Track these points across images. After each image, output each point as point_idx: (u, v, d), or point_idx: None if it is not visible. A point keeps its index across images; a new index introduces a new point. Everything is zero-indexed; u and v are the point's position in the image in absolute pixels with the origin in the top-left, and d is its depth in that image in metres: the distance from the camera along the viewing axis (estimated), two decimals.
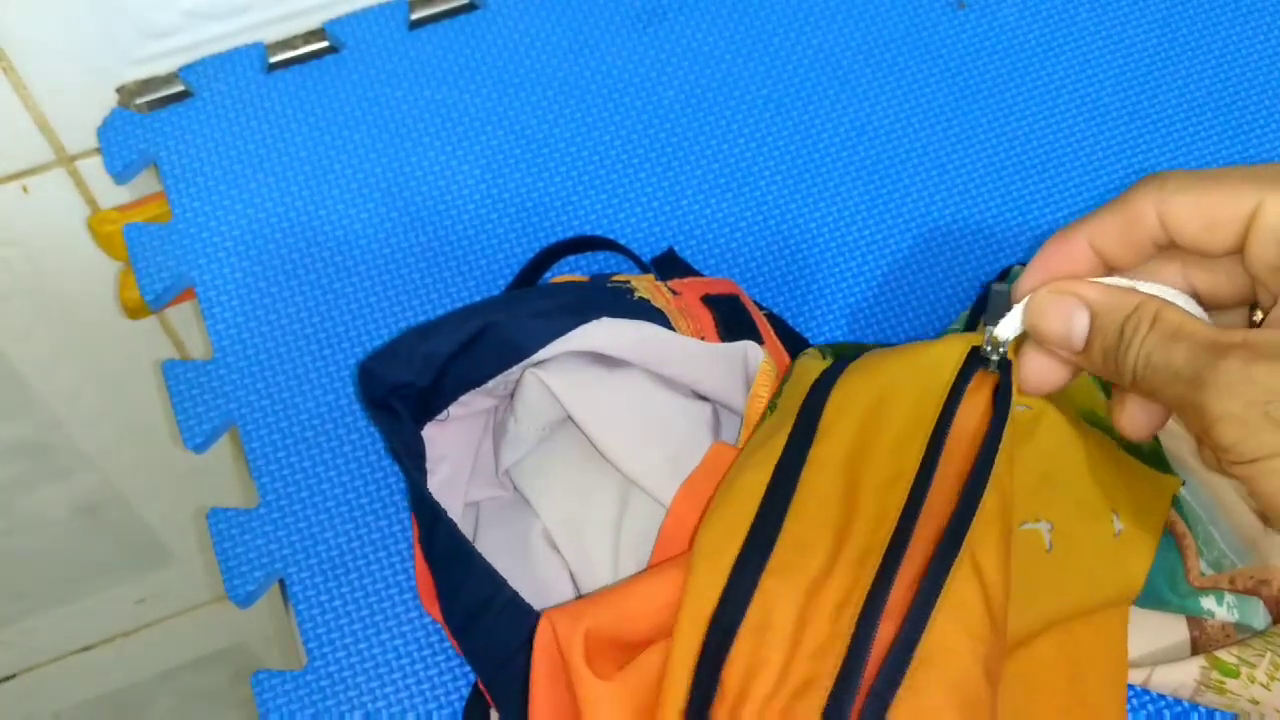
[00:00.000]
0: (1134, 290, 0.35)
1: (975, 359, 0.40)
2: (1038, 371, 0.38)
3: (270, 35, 0.61)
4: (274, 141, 0.59)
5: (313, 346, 0.54)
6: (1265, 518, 0.46)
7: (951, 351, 0.41)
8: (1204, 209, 0.34)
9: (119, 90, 0.60)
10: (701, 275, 0.55)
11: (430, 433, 0.47)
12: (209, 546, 0.51)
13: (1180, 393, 0.33)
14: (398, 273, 0.56)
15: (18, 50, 0.57)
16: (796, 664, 0.38)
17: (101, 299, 0.71)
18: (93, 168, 0.63)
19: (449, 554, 0.45)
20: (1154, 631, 0.46)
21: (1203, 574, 0.45)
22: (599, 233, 0.57)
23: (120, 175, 0.59)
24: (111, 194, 0.65)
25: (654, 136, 0.59)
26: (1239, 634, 0.45)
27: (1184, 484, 0.46)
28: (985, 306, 0.40)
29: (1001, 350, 0.39)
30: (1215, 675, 0.43)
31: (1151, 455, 0.47)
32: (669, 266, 0.55)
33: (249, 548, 0.50)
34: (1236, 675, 0.43)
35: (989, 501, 0.39)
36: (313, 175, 0.58)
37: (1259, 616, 0.44)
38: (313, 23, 0.62)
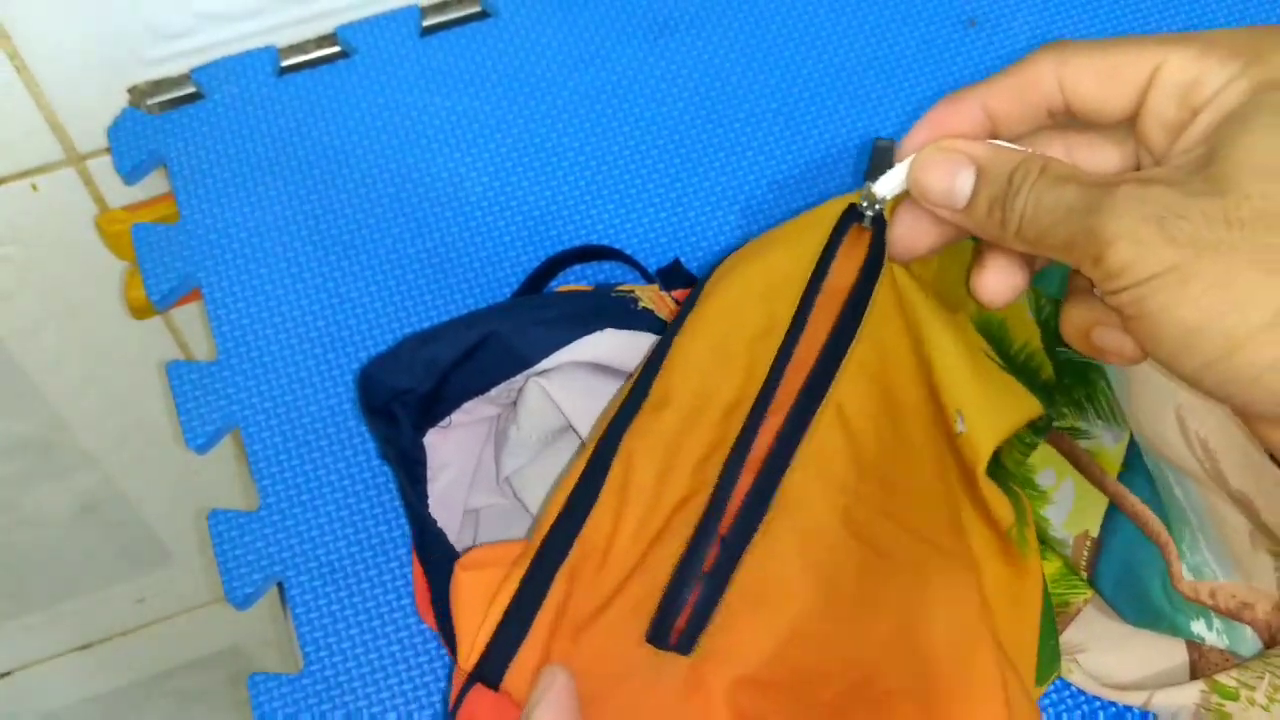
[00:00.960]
0: (1022, 149, 0.35)
1: (851, 214, 0.40)
2: (907, 233, 0.38)
3: (282, 39, 0.62)
4: (284, 145, 0.59)
5: (317, 350, 0.54)
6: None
7: (830, 211, 0.41)
8: (1105, 68, 0.34)
9: (130, 90, 0.61)
10: None
11: (433, 440, 0.47)
12: (209, 547, 0.51)
13: (1071, 227, 0.32)
14: (404, 278, 0.56)
15: (30, 49, 0.57)
16: (656, 516, 0.38)
17: (108, 298, 0.71)
18: (102, 167, 0.64)
19: (439, 563, 0.45)
20: (1153, 654, 0.45)
21: (1184, 577, 0.44)
22: (606, 242, 0.57)
23: (129, 175, 0.59)
24: (120, 194, 0.65)
25: (663, 147, 0.59)
26: (1236, 657, 0.44)
27: (1165, 479, 0.46)
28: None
29: (878, 207, 0.39)
30: (1215, 699, 0.43)
31: (1041, 385, 0.47)
32: (674, 277, 0.55)
33: (248, 550, 0.50)
34: (1236, 698, 0.43)
35: (859, 352, 0.39)
36: (322, 179, 0.58)
37: (1246, 643, 0.44)
38: (325, 27, 0.62)
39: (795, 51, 0.62)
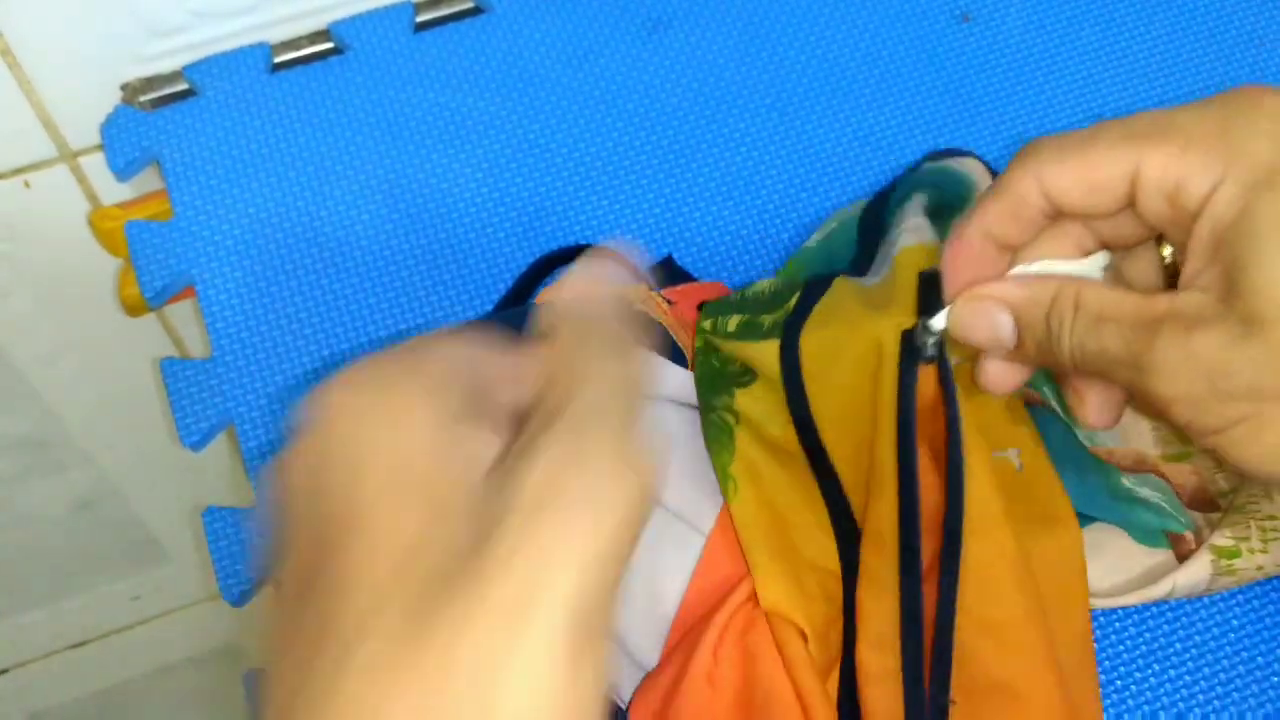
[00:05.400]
0: (1050, 277, 0.35)
1: (911, 352, 0.40)
2: (997, 374, 0.38)
3: (275, 35, 0.61)
4: (277, 141, 0.59)
5: (311, 347, 0.54)
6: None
7: (887, 337, 0.41)
8: (1082, 176, 0.34)
9: (123, 87, 0.60)
10: (698, 281, 0.55)
11: None
12: (204, 544, 0.51)
13: (1127, 376, 0.33)
14: (398, 275, 0.56)
15: (23, 45, 0.57)
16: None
17: (101, 295, 0.71)
18: (95, 164, 0.63)
19: None
20: (1135, 550, 0.47)
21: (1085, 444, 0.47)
22: (599, 239, 0.57)
23: (122, 172, 0.59)
24: (113, 191, 0.65)
25: (656, 143, 0.59)
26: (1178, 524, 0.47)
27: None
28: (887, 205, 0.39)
29: (936, 339, 0.39)
30: (1223, 562, 0.45)
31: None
32: (667, 273, 0.55)
33: (244, 547, 0.50)
34: (1239, 554, 0.45)
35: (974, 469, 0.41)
36: (315, 176, 0.58)
37: (1176, 504, 0.46)
38: (318, 24, 0.62)
39: (788, 47, 0.62)
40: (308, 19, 0.62)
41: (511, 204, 0.58)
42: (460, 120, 0.60)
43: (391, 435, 0.27)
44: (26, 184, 0.64)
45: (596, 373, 0.27)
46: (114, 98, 0.60)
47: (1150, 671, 0.47)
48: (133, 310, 0.62)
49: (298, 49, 0.62)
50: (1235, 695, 0.47)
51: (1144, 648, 0.48)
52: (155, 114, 0.59)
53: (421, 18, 0.62)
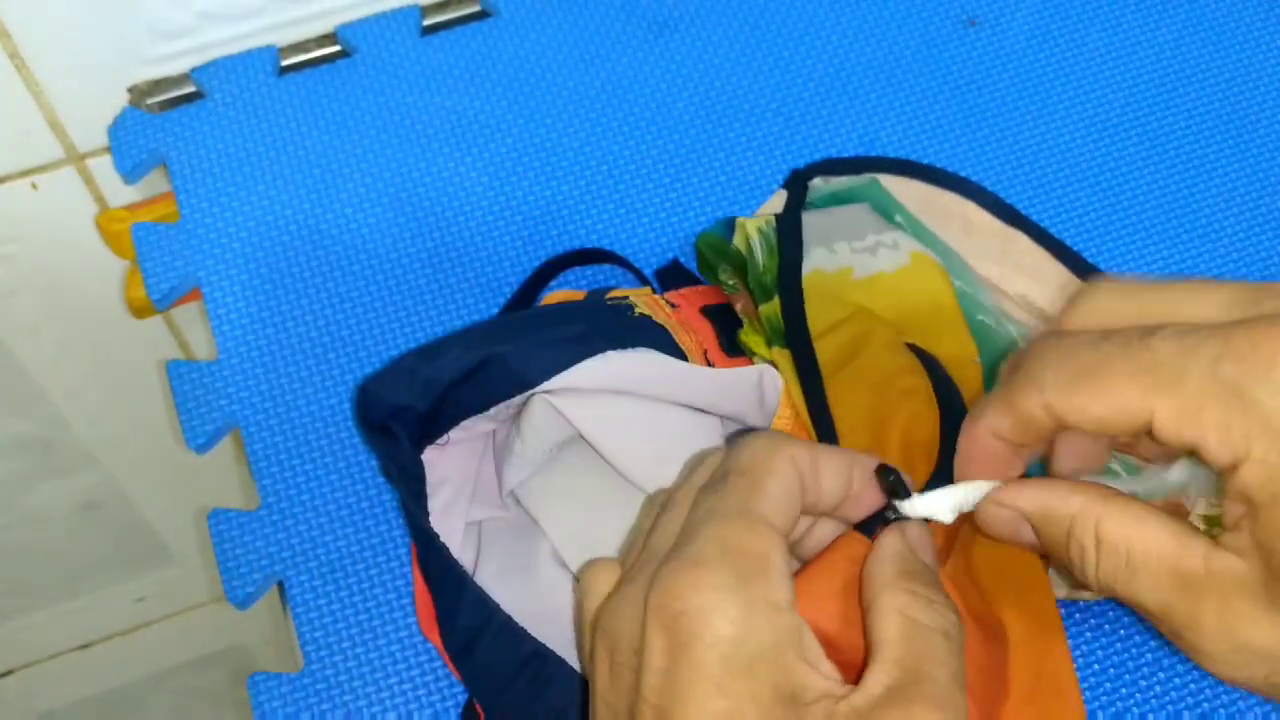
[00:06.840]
0: (1069, 492, 0.33)
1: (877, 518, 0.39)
2: (1000, 519, 0.36)
3: (283, 38, 0.62)
4: (284, 144, 0.59)
5: (317, 350, 0.54)
6: None
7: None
8: (1092, 415, 0.32)
9: (130, 90, 0.61)
10: (703, 285, 0.55)
11: (430, 456, 0.47)
12: (209, 547, 0.51)
13: (1157, 621, 0.31)
14: (404, 278, 0.56)
15: (31, 47, 0.57)
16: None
17: (108, 297, 0.71)
18: (102, 166, 0.64)
19: (442, 579, 0.45)
20: None
21: None
22: (605, 241, 0.57)
23: (130, 174, 0.59)
24: (120, 193, 0.65)
25: (663, 147, 0.59)
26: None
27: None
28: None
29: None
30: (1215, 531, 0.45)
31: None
32: (672, 277, 0.55)
33: (248, 549, 0.50)
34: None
35: None
36: (322, 179, 0.58)
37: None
38: (325, 27, 0.62)
39: (794, 51, 0.62)
40: (315, 22, 0.62)
41: (518, 207, 0.58)
42: (467, 123, 0.60)
43: (742, 624, 0.28)
44: (34, 186, 0.64)
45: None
46: (121, 100, 0.60)
47: (1139, 674, 0.47)
48: (139, 312, 0.63)
49: (305, 52, 0.62)
50: (1229, 695, 0.47)
51: (1137, 648, 0.48)
52: (163, 116, 0.60)
53: (428, 21, 0.62)
